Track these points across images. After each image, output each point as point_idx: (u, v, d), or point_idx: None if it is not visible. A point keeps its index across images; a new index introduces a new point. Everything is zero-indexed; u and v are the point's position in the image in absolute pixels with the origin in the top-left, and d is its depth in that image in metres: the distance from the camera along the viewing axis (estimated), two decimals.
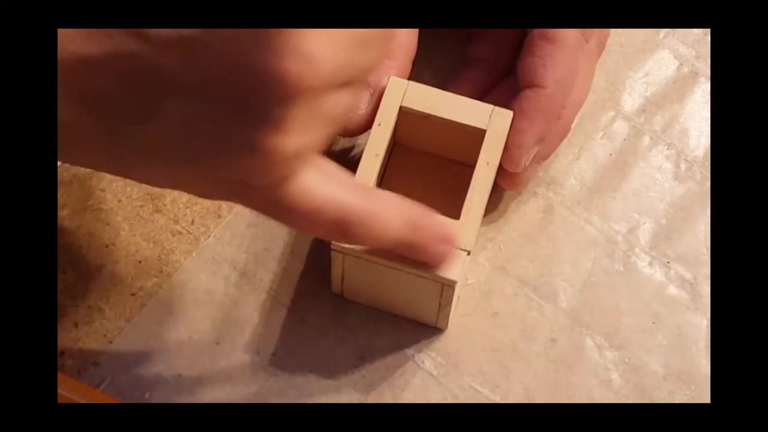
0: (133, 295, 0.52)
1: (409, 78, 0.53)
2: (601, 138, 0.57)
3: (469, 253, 0.49)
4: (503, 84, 0.54)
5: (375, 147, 0.51)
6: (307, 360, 0.51)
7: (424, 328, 0.52)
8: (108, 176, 0.55)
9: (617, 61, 0.58)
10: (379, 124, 0.51)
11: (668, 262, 0.54)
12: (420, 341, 0.52)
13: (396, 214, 0.46)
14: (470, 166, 0.51)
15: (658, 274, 0.54)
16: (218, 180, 0.41)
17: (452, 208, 0.50)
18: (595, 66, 0.55)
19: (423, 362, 0.51)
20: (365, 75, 0.41)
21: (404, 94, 0.51)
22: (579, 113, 0.56)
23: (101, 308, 0.52)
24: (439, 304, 0.50)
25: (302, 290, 0.53)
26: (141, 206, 0.54)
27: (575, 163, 0.56)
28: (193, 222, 0.54)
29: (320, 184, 0.43)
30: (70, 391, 0.48)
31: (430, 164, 0.54)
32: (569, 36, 0.52)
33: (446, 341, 0.52)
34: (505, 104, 0.52)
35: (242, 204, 0.44)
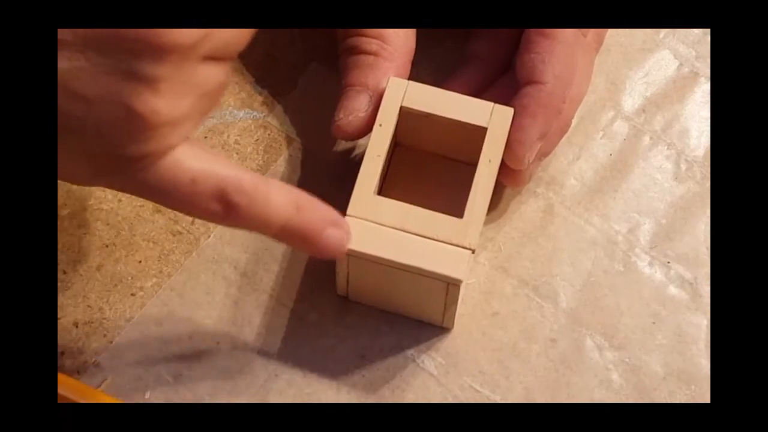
0: (133, 295, 0.52)
1: (409, 78, 0.53)
2: (601, 138, 0.57)
3: (473, 252, 0.49)
4: (502, 80, 0.54)
5: (376, 148, 0.51)
6: (307, 360, 0.51)
7: (424, 329, 0.52)
8: None
9: (617, 61, 0.58)
10: (380, 125, 0.51)
11: (668, 262, 0.54)
12: (420, 341, 0.52)
13: (280, 193, 0.46)
14: (471, 165, 0.51)
15: (658, 274, 0.54)
16: (92, 154, 0.41)
17: (455, 206, 0.50)
18: (593, 61, 0.55)
19: (423, 362, 0.51)
20: (230, 51, 0.43)
21: (404, 94, 0.51)
22: (579, 113, 0.56)
23: (101, 308, 0.52)
24: (445, 303, 0.50)
25: (302, 290, 0.53)
26: (141, 206, 0.54)
27: (575, 163, 0.56)
28: (193, 222, 0.54)
29: (196, 156, 0.43)
30: (70, 391, 0.48)
31: (431, 163, 0.54)
32: (566, 31, 0.52)
33: (446, 341, 0.52)
34: (505, 101, 0.52)
35: (117, 187, 0.44)
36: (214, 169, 0.43)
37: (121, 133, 0.41)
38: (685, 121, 0.57)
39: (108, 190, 0.54)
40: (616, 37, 0.59)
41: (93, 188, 0.54)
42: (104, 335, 0.52)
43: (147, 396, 0.51)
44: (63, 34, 0.39)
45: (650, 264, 0.54)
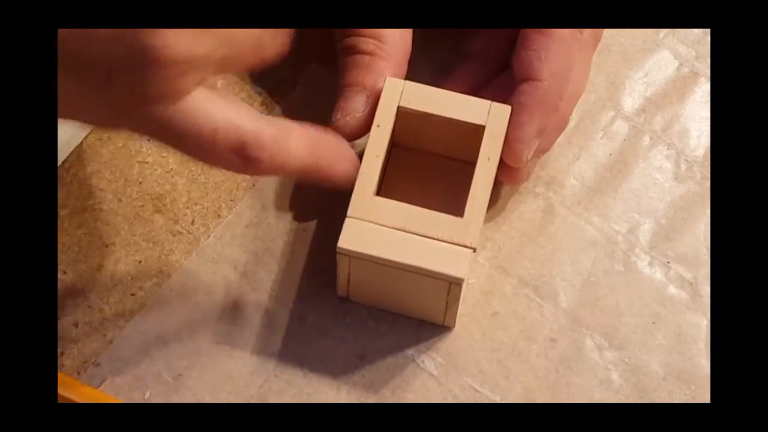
0: (133, 295, 0.52)
1: (408, 78, 0.52)
2: (601, 138, 0.57)
3: (474, 250, 0.49)
4: (499, 78, 0.54)
5: (375, 148, 0.51)
6: (307, 360, 0.51)
7: (424, 329, 0.52)
8: (108, 176, 0.55)
9: (617, 61, 0.58)
10: (378, 126, 0.51)
11: (668, 262, 0.54)
12: (420, 341, 0.52)
13: (299, 140, 0.46)
14: (470, 163, 0.51)
15: (658, 274, 0.54)
16: (111, 96, 0.41)
17: (454, 205, 0.50)
18: (591, 57, 0.55)
19: (423, 362, 0.51)
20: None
21: (401, 95, 0.51)
22: (579, 113, 0.56)
23: (101, 308, 0.52)
24: (447, 302, 0.50)
25: (302, 290, 0.53)
26: (141, 206, 0.54)
27: (575, 163, 0.56)
28: (193, 222, 0.54)
29: (217, 104, 0.43)
30: (70, 391, 0.49)
31: (429, 163, 0.54)
32: (563, 29, 0.52)
33: (446, 341, 0.52)
34: (502, 99, 0.51)
35: (142, 131, 0.44)
36: (236, 122, 0.44)
37: (133, 67, 0.40)
38: (685, 121, 0.57)
39: (108, 190, 0.54)
40: (616, 37, 0.59)
41: (93, 188, 0.54)
42: (104, 335, 0.52)
43: (147, 396, 0.51)
44: None
45: (650, 264, 0.54)
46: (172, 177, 0.55)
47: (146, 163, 0.55)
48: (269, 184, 0.55)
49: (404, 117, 0.52)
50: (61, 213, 0.54)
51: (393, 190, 0.52)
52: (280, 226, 0.54)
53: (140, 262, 0.53)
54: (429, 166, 0.54)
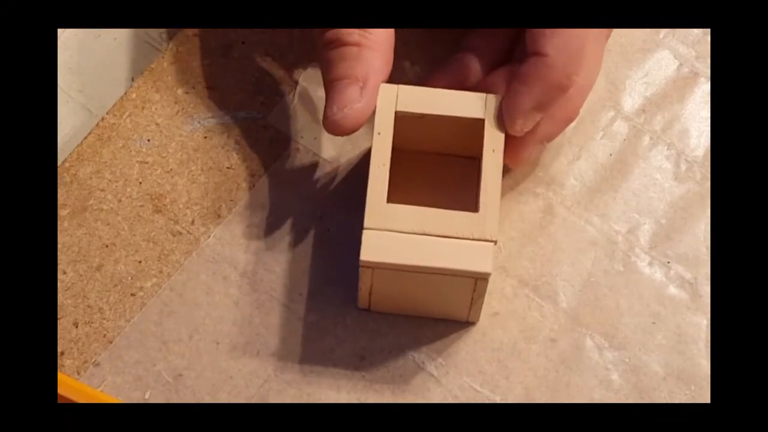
0: (133, 295, 0.52)
1: (407, 77, 0.52)
2: (601, 138, 0.57)
3: (495, 243, 0.49)
4: (496, 73, 0.54)
5: (380, 157, 0.50)
6: (307, 360, 0.51)
7: (424, 329, 0.52)
8: (108, 176, 0.55)
9: (617, 61, 0.58)
10: (379, 133, 0.51)
11: (668, 262, 0.54)
12: (420, 341, 0.52)
13: None
14: (472, 158, 0.51)
15: (658, 274, 0.54)
16: None
17: (465, 201, 0.50)
18: (603, 50, 0.54)
19: (423, 362, 0.51)
20: None
21: (397, 99, 0.51)
22: (580, 113, 0.56)
23: (101, 308, 0.52)
24: (472, 298, 0.50)
25: (302, 290, 0.53)
26: (141, 206, 0.54)
27: (575, 163, 0.56)
28: (193, 222, 0.54)
29: None
30: (70, 391, 0.49)
31: (432, 163, 0.54)
32: None
33: (446, 341, 0.52)
34: (498, 92, 0.51)
35: None
36: None
37: None
38: (685, 121, 0.57)
39: (108, 190, 0.54)
40: (616, 37, 0.59)
41: (93, 188, 0.54)
42: (104, 335, 0.52)
43: (147, 396, 0.51)
44: None
45: (650, 264, 0.54)
46: (172, 177, 0.55)
47: (146, 163, 0.55)
48: (269, 185, 0.55)
49: (403, 121, 0.51)
50: (61, 213, 0.54)
51: (401, 195, 0.51)
52: (281, 227, 0.54)
53: (140, 262, 0.53)
54: (432, 166, 0.54)
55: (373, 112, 0.51)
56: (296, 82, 0.57)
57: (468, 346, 0.52)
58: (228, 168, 0.55)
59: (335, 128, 0.51)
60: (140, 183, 0.55)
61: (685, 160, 0.56)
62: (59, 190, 0.54)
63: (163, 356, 0.51)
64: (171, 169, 0.55)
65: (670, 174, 0.56)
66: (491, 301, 0.53)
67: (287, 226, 0.54)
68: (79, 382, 0.50)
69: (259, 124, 0.56)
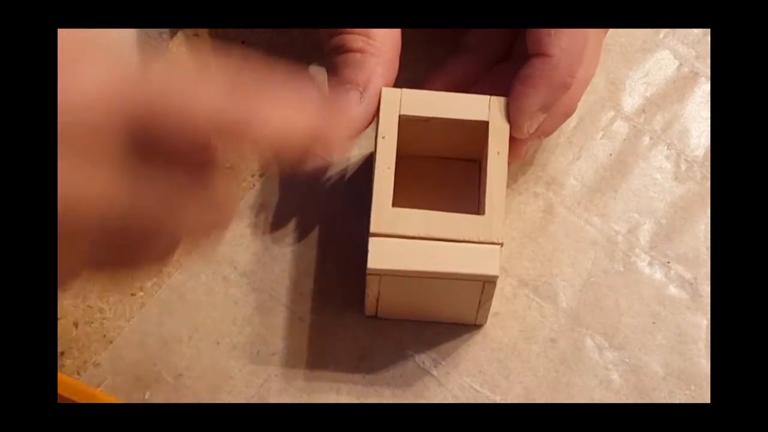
0: (133, 295, 0.52)
1: (407, 79, 0.52)
2: (601, 138, 0.57)
3: (502, 245, 0.49)
4: (495, 71, 0.54)
5: (385, 161, 0.50)
6: (307, 360, 0.51)
7: (424, 329, 0.52)
8: None
9: (617, 61, 0.58)
10: (384, 137, 0.50)
11: (668, 262, 0.54)
12: (420, 341, 0.52)
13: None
14: (475, 161, 0.50)
15: (658, 274, 0.54)
16: None
17: (470, 205, 0.50)
18: (602, 44, 0.54)
19: (423, 362, 0.51)
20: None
21: (400, 103, 0.51)
22: (579, 113, 0.56)
23: (101, 308, 0.52)
24: (480, 301, 0.50)
25: (302, 290, 0.53)
26: None
27: (575, 163, 0.56)
28: None
29: None
30: (70, 391, 0.48)
31: (435, 167, 0.54)
32: None
33: (446, 341, 0.52)
34: (498, 91, 0.51)
35: None
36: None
37: None
38: (685, 121, 0.57)
39: None
40: (616, 37, 0.59)
41: None
42: (104, 335, 0.52)
43: (147, 396, 0.51)
44: None
45: (650, 264, 0.54)
46: None
47: None
48: (269, 185, 0.55)
49: (406, 125, 0.51)
50: None
51: (404, 200, 0.51)
52: (281, 227, 0.54)
53: None
54: (436, 170, 0.54)
55: (374, 118, 0.51)
56: None
57: (468, 347, 0.52)
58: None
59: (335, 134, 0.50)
60: None
61: (685, 160, 0.56)
62: None
63: (163, 356, 0.51)
64: None
65: (670, 174, 0.56)
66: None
67: (287, 226, 0.54)
68: (79, 382, 0.50)
69: None
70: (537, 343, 0.52)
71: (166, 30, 0.56)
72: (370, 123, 0.51)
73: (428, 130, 0.52)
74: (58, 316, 0.52)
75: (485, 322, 0.52)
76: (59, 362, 0.51)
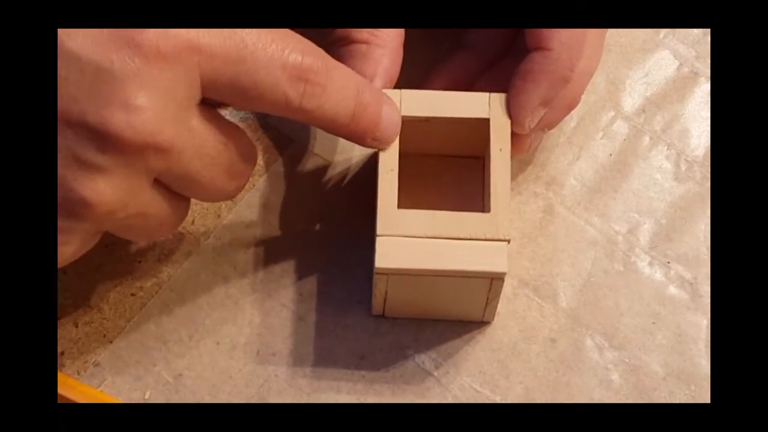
0: (133, 295, 0.52)
1: (407, 79, 0.52)
2: (601, 138, 0.57)
3: (509, 242, 0.49)
4: (495, 68, 0.54)
5: (388, 162, 0.50)
6: (307, 360, 0.51)
7: (424, 328, 0.52)
8: None
9: (617, 61, 0.58)
10: None
11: (668, 262, 0.54)
12: (420, 341, 0.52)
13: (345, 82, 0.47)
14: (477, 158, 0.50)
15: (658, 274, 0.54)
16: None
17: (474, 202, 0.50)
18: (604, 37, 0.54)
19: (423, 362, 0.51)
20: (184, 186, 0.45)
21: (401, 104, 0.51)
22: (579, 113, 0.56)
23: (101, 308, 0.52)
24: (487, 298, 0.50)
25: (302, 290, 0.53)
26: None
27: (575, 163, 0.56)
28: (193, 222, 0.54)
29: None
30: (70, 391, 0.49)
31: (438, 164, 0.54)
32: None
33: (446, 341, 0.52)
34: (498, 88, 0.51)
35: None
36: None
37: (68, 209, 0.43)
38: (685, 121, 0.57)
39: None
40: (616, 37, 0.59)
41: None
42: (104, 335, 0.52)
43: (147, 396, 0.51)
44: None
45: (650, 264, 0.54)
46: None
47: None
48: (270, 185, 0.55)
49: (407, 125, 0.51)
50: None
51: (409, 199, 0.51)
52: (281, 227, 0.54)
53: (140, 262, 0.53)
54: (438, 169, 0.54)
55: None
56: None
57: (468, 346, 0.52)
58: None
59: None
60: None
61: (685, 160, 0.56)
62: None
63: (163, 356, 0.51)
64: None
65: (670, 174, 0.56)
66: None
67: (287, 226, 0.54)
68: (79, 382, 0.50)
69: (259, 124, 0.56)
70: (537, 343, 0.52)
71: None
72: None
73: (430, 129, 0.52)
74: (58, 316, 0.52)
75: (492, 320, 0.52)
76: (59, 362, 0.51)
